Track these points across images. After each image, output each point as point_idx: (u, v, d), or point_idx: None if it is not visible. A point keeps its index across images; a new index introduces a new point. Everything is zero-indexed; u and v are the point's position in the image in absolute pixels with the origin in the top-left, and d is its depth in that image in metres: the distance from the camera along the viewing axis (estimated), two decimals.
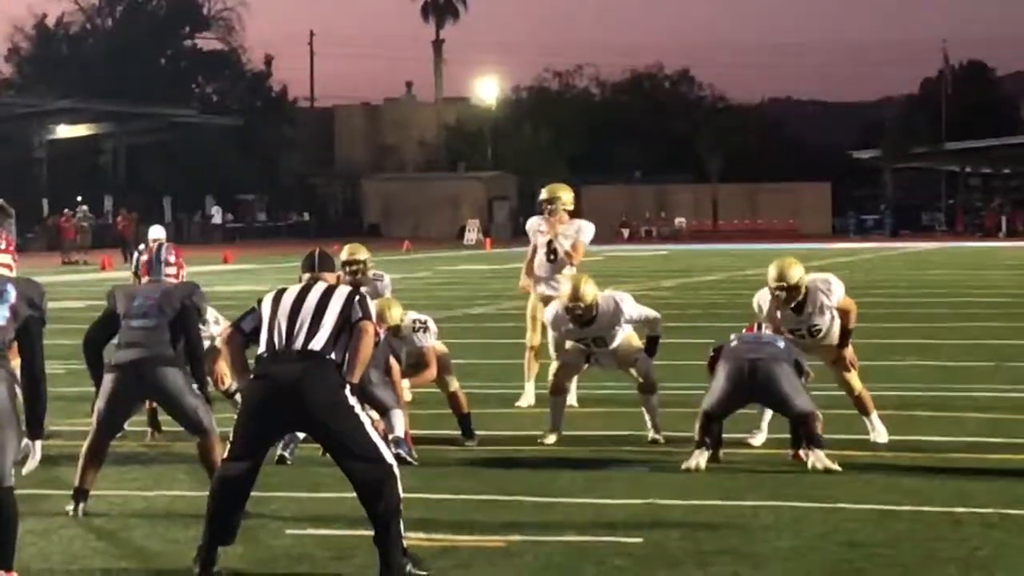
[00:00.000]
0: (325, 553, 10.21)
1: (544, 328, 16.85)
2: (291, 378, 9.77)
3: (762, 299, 14.82)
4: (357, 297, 10.16)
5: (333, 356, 9.93)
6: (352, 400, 9.86)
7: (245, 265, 55.25)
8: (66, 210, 72.24)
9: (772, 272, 14.57)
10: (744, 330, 14.69)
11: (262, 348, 10.04)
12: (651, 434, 14.80)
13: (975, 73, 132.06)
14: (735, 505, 11.73)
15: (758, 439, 14.53)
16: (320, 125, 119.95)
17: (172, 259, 12.63)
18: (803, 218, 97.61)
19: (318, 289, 10.20)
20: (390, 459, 9.68)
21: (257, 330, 10.13)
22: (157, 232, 21.54)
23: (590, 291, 14.73)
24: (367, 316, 10.09)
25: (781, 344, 14.10)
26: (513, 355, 21.55)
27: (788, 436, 13.79)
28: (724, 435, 13.68)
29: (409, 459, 13.32)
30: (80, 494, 11.64)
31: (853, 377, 14.87)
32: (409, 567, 9.57)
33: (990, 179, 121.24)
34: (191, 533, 10.38)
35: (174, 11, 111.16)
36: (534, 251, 17.91)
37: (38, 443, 8.75)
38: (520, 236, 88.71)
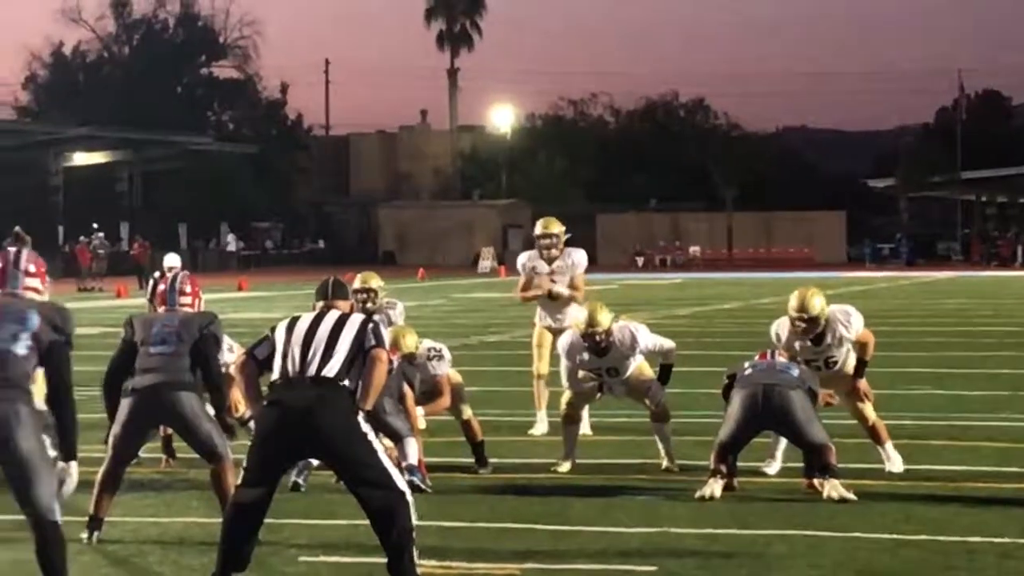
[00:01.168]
0: None
1: (552, 357, 16.98)
2: (304, 404, 9.75)
3: (781, 328, 14.78)
4: (371, 325, 10.16)
5: (347, 383, 9.91)
6: (365, 427, 9.83)
7: (260, 292, 55.31)
8: (82, 237, 72.37)
9: (793, 302, 14.54)
10: (757, 357, 14.66)
11: (275, 375, 10.06)
12: (665, 462, 14.78)
13: (990, 102, 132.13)
14: (749, 534, 11.71)
15: (773, 468, 14.51)
16: (335, 153, 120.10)
17: (188, 288, 12.65)
18: (818, 246, 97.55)
19: (331, 317, 10.21)
20: (403, 486, 9.67)
21: (271, 358, 10.13)
22: (172, 260, 21.55)
23: (606, 318, 14.71)
24: (380, 344, 10.08)
25: (795, 372, 14.08)
26: (528, 383, 21.54)
27: (802, 465, 13.79)
28: (740, 463, 13.67)
29: (423, 486, 13.31)
30: (95, 522, 11.66)
31: (867, 407, 14.84)
32: None
33: (1006, 208, 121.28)
34: (205, 560, 10.39)
35: (190, 39, 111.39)
36: (528, 283, 17.86)
37: (73, 464, 8.80)
38: None
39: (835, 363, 14.69)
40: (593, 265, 20.05)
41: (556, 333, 17.10)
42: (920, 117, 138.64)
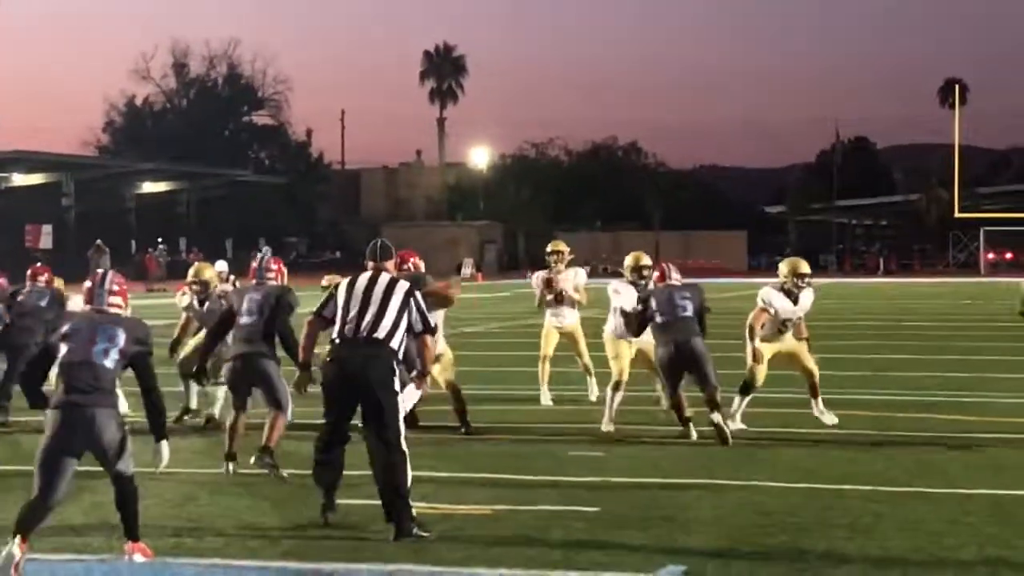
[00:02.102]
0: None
1: (549, 342, 17.53)
2: (359, 361, 9.89)
3: (771, 296, 14.87)
4: (414, 301, 10.18)
5: (393, 344, 10.00)
6: (398, 387, 9.94)
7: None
8: (149, 249, 72.20)
9: (786, 268, 15.00)
10: (656, 277, 14.85)
11: (336, 333, 10.11)
12: (605, 426, 14.77)
13: (860, 146, 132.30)
14: (671, 482, 11.75)
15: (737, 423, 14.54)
16: (348, 183, 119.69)
17: (273, 266, 13.29)
18: (726, 259, 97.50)
19: (382, 282, 10.22)
20: (405, 448, 9.78)
21: (335, 316, 10.18)
22: (220, 266, 21.48)
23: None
24: (427, 330, 10.22)
25: (690, 310, 14.33)
26: (502, 363, 21.60)
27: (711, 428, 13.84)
28: (664, 427, 13.72)
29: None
30: (230, 456, 12.28)
31: (813, 364, 15.01)
32: (415, 530, 9.60)
33: (871, 229, 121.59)
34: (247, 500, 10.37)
35: (236, 94, 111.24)
36: (542, 295, 17.91)
37: (163, 444, 8.95)
38: (505, 271, 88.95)
39: (797, 321, 14.95)
40: None
41: (559, 329, 17.69)
42: (805, 157, 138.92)
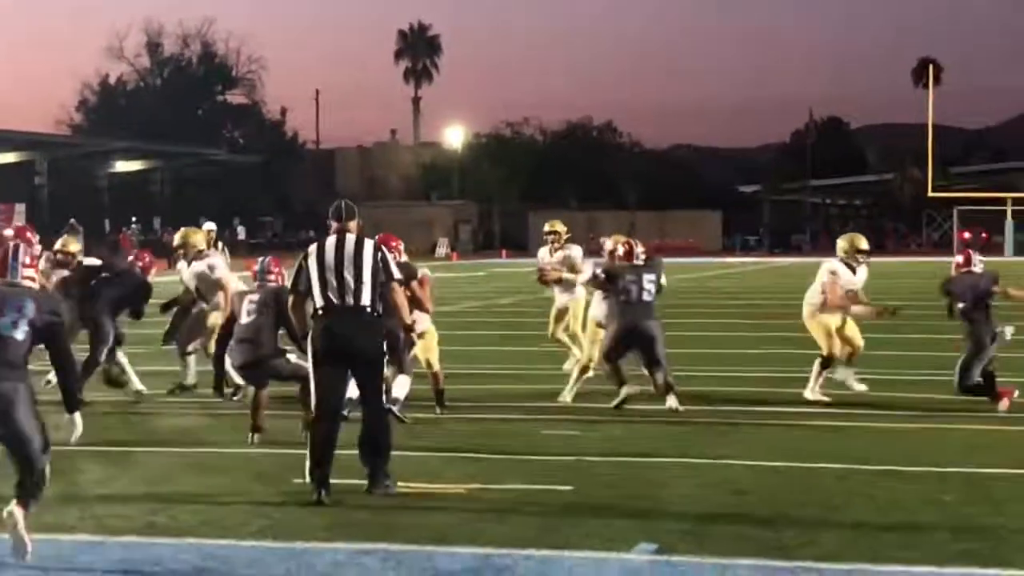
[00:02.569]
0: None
1: (559, 321, 17.90)
2: (349, 330, 10.24)
3: (838, 268, 15.50)
4: (380, 255, 10.46)
5: (378, 309, 10.38)
6: (384, 351, 10.51)
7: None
8: (123, 228, 72.00)
9: (856, 243, 15.57)
10: (621, 251, 14.97)
11: (319, 303, 10.34)
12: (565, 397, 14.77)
13: (833, 126, 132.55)
14: (646, 461, 11.75)
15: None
16: (323, 162, 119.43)
17: (275, 268, 13.39)
18: (700, 238, 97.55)
19: (350, 244, 10.45)
20: (387, 410, 10.57)
21: (310, 288, 10.39)
22: (209, 225, 22.08)
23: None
24: (391, 278, 10.59)
25: (650, 296, 14.51)
26: (476, 342, 21.58)
27: (690, 407, 13.84)
28: (642, 407, 13.72)
29: (401, 418, 13.32)
30: (255, 429, 12.63)
31: (859, 336, 15.69)
32: (388, 485, 10.20)
33: (845, 208, 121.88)
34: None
35: (209, 73, 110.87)
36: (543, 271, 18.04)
37: (77, 415, 8.58)
38: (479, 251, 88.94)
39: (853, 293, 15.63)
40: (527, 252, 19.96)
41: (559, 309, 18.09)
42: (779, 137, 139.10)
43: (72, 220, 51.58)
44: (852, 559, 8.33)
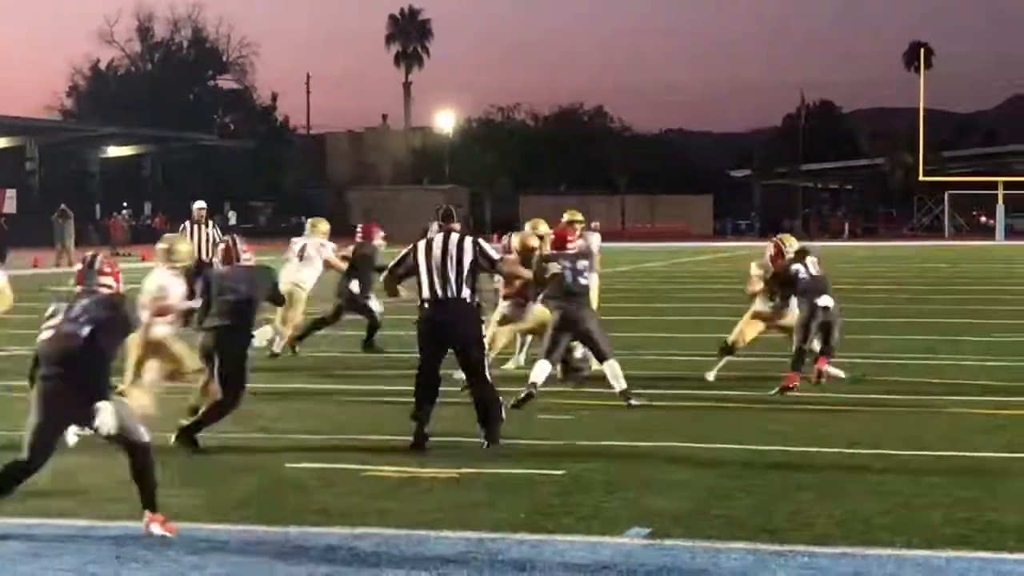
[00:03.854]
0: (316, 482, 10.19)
1: None
2: (449, 319, 11.80)
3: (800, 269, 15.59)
4: (479, 248, 11.92)
5: (476, 299, 11.93)
6: (482, 335, 12.10)
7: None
8: (114, 213, 71.89)
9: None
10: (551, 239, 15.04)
11: (425, 294, 11.82)
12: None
13: (825, 110, 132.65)
14: (639, 445, 11.76)
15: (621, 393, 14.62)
16: (314, 148, 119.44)
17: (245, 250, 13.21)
18: (692, 223, 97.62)
19: (453, 242, 11.85)
20: (491, 378, 12.07)
21: (408, 274, 12.05)
22: (199, 204, 22.06)
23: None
24: (495, 266, 12.23)
25: (587, 281, 14.63)
26: None
27: (681, 391, 13.84)
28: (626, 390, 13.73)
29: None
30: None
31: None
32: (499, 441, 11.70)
33: (836, 193, 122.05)
34: None
35: (200, 58, 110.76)
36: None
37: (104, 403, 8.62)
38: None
39: None
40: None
41: None
42: (770, 121, 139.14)
43: (63, 206, 51.49)
44: (844, 543, 8.34)
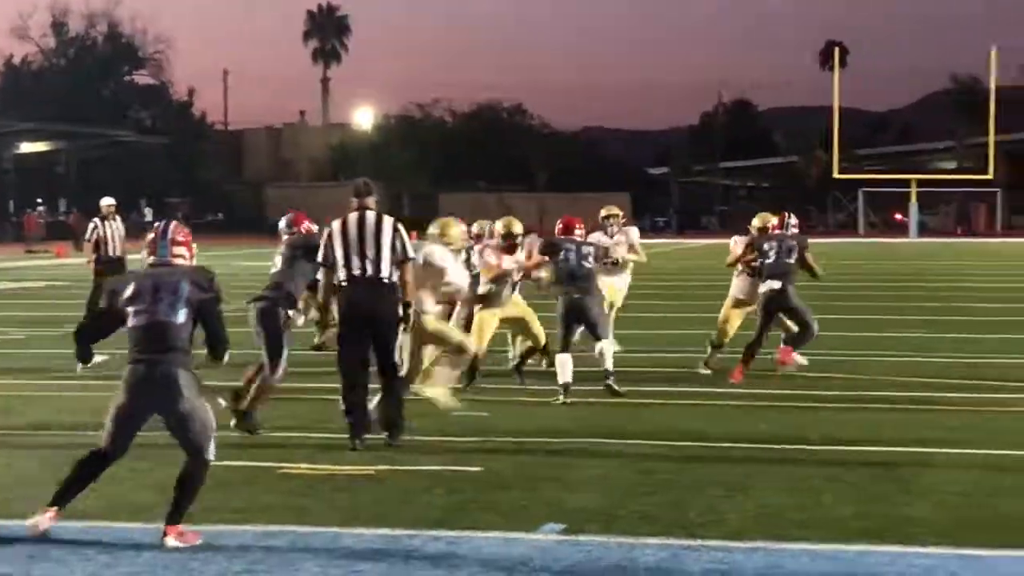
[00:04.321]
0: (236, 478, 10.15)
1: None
2: (370, 299, 11.49)
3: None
4: (399, 236, 11.59)
5: (394, 279, 11.58)
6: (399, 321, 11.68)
7: None
8: (28, 209, 71.16)
9: (767, 220, 16.55)
10: (560, 226, 15.21)
11: (343, 276, 11.56)
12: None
13: (741, 109, 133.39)
14: (556, 442, 11.79)
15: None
16: (232, 144, 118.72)
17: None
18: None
19: (370, 221, 11.57)
20: (399, 367, 11.87)
21: (336, 260, 11.58)
22: (107, 200, 21.59)
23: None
24: (407, 258, 11.67)
25: (589, 264, 14.75)
26: None
27: (597, 387, 13.89)
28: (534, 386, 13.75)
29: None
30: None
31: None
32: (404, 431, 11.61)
33: (753, 191, 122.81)
34: None
35: (116, 53, 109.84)
36: None
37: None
38: None
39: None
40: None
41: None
42: (688, 120, 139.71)
43: None
44: (757, 537, 8.41)
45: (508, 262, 15.02)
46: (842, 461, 10.94)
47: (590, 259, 14.84)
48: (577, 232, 15.23)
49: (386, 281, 11.55)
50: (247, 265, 44.98)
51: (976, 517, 9.03)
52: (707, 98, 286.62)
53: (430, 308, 12.74)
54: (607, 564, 7.90)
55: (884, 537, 8.44)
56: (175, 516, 8.27)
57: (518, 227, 15.53)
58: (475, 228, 16.01)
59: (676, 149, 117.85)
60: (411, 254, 11.74)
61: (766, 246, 15.91)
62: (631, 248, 18.04)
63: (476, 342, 14.42)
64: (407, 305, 11.73)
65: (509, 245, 15.19)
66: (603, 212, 18.48)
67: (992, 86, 76.93)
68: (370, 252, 11.49)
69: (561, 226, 15.53)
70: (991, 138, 77.45)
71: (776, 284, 15.74)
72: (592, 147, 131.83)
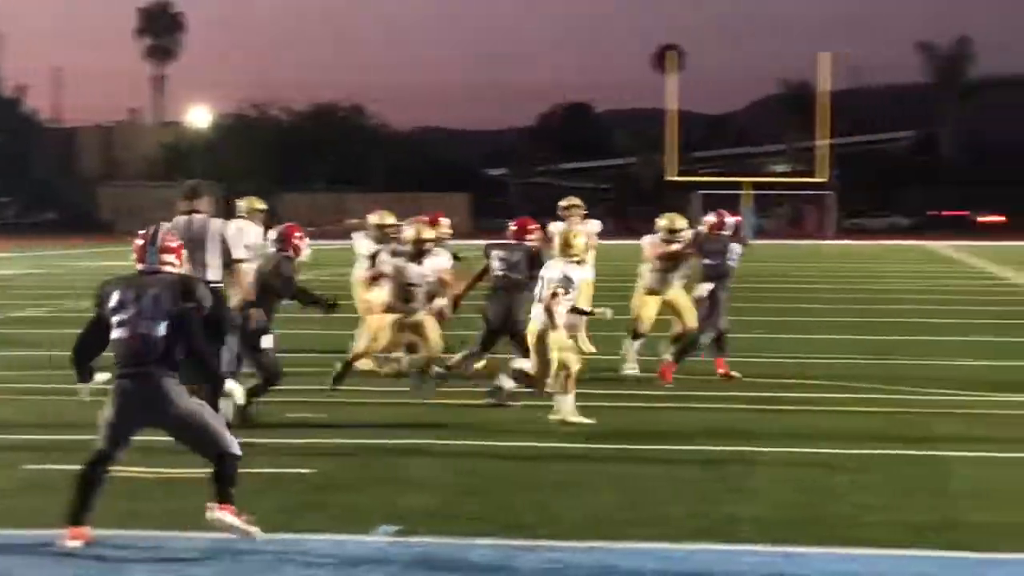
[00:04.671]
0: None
1: None
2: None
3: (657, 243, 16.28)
4: (223, 242, 11.70)
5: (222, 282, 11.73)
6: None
7: (3, 254, 53.60)
8: None
9: (672, 222, 16.40)
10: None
11: None
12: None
13: (580, 110, 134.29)
14: (390, 443, 11.79)
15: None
16: (63, 142, 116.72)
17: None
18: (450, 221, 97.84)
19: (197, 223, 11.68)
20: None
21: None
22: None
23: None
24: (232, 262, 11.84)
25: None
26: None
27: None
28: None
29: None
30: None
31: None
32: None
33: (592, 192, 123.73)
34: None
35: None
36: None
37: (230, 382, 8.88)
38: None
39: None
40: None
41: None
42: (527, 121, 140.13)
43: None
44: (591, 537, 8.51)
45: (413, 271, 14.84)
46: (673, 460, 11.10)
47: (520, 267, 14.91)
48: (529, 237, 15.37)
49: (212, 285, 11.28)
50: (82, 265, 44.25)
51: (803, 516, 9.22)
52: (547, 99, 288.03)
53: (559, 321, 12.93)
54: (439, 565, 7.94)
55: (713, 535, 8.59)
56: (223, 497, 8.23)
57: (429, 232, 15.45)
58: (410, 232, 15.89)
59: (515, 150, 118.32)
60: (239, 256, 11.74)
61: (707, 246, 16.08)
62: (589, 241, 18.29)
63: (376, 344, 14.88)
64: (245, 306, 11.71)
65: (418, 251, 15.08)
66: (562, 203, 18.76)
67: (822, 89, 78.27)
68: (197, 255, 11.40)
69: (515, 229, 15.56)
70: (822, 141, 78.84)
71: (710, 286, 16.01)
72: (431, 147, 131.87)
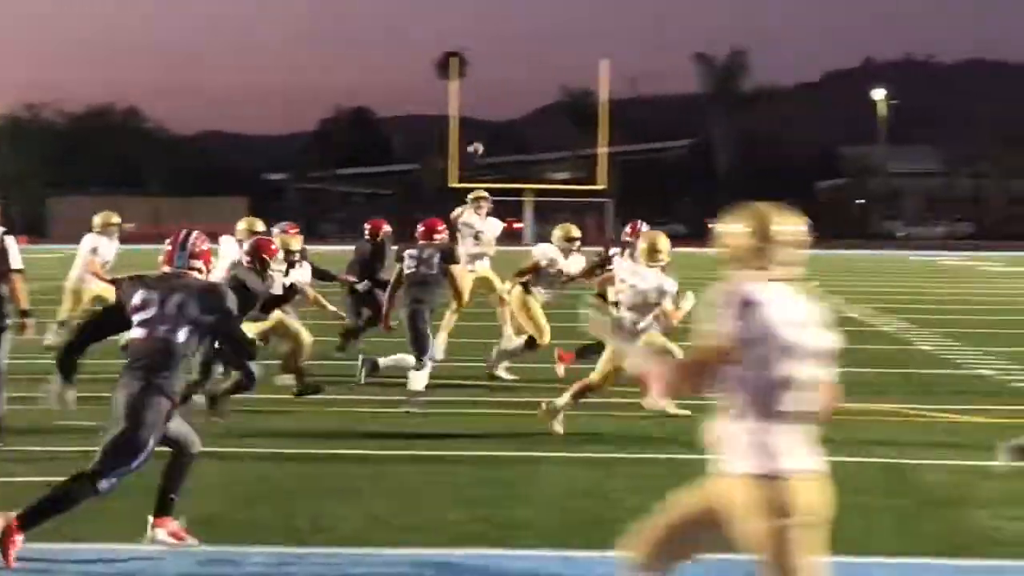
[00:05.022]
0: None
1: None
2: None
3: (554, 254, 16.83)
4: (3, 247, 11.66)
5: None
6: None
7: None
8: None
9: (569, 232, 16.83)
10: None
11: None
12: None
13: (360, 115, 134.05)
14: (319, 451, 11.74)
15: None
16: None
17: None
18: (230, 224, 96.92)
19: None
20: None
21: None
22: None
23: None
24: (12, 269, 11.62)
25: None
26: None
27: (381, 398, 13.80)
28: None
29: None
30: None
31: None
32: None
33: (373, 198, 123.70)
34: None
35: None
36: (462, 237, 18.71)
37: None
38: None
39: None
40: (45, 238, 19.46)
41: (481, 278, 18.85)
42: (307, 126, 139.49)
43: None
44: (365, 544, 8.53)
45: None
46: (449, 465, 11.16)
47: (432, 262, 14.89)
48: (437, 237, 15.27)
49: None
50: None
51: (579, 519, 9.35)
52: (327, 104, 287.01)
53: (644, 324, 12.90)
54: (212, 573, 7.88)
55: (490, 540, 8.67)
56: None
57: (296, 244, 15.55)
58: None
59: (294, 155, 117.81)
60: (16, 266, 11.55)
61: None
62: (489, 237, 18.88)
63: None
64: (23, 314, 11.52)
65: (289, 262, 15.01)
66: (471, 196, 19.10)
67: (603, 98, 79.28)
68: None
69: (423, 229, 15.42)
70: (602, 149, 79.84)
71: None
72: (213, 152, 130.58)
